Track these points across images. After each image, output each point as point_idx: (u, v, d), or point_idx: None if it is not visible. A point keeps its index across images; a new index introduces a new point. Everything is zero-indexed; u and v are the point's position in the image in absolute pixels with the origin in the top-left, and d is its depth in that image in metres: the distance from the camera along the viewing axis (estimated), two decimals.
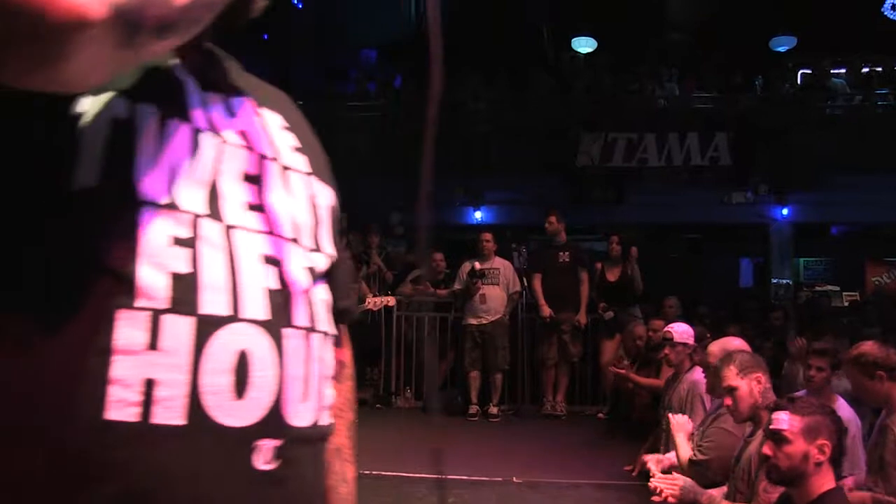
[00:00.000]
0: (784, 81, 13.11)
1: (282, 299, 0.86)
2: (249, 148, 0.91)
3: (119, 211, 0.77)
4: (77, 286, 0.74)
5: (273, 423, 0.82)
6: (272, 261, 0.87)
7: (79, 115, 0.76)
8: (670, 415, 4.69)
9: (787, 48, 13.63)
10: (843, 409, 4.28)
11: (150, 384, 0.75)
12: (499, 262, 8.72)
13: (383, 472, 5.95)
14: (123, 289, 0.75)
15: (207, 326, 0.78)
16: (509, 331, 8.73)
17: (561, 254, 8.67)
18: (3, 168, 0.73)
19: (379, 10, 16.76)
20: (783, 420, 2.82)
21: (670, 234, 13.46)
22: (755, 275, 13.83)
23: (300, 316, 0.89)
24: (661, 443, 5.53)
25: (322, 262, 0.98)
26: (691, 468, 4.13)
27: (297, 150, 1.01)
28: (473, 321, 8.52)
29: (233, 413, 0.79)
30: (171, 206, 0.79)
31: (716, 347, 4.55)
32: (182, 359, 0.76)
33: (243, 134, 0.91)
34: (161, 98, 0.82)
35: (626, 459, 6.19)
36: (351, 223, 10.07)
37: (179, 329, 0.77)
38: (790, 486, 2.86)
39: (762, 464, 3.06)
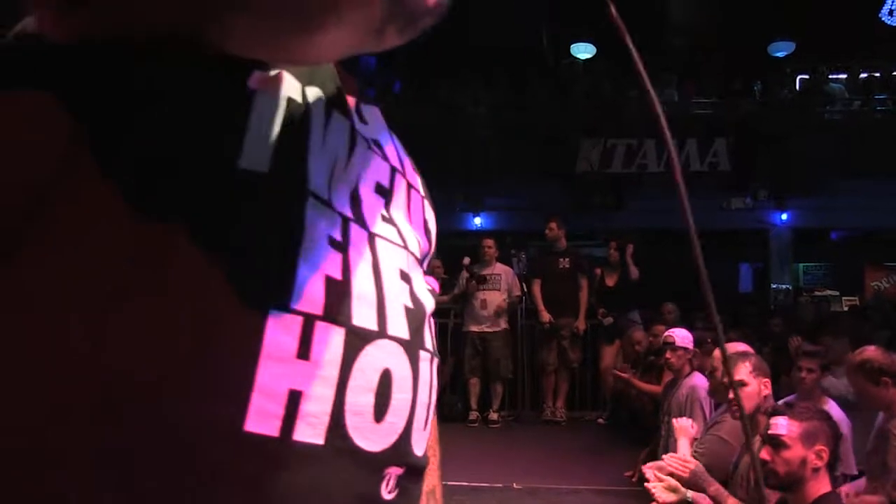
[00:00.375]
0: (783, 87, 13.12)
1: (418, 319, 0.80)
2: (384, 158, 0.86)
3: (286, 198, 0.69)
4: (232, 277, 0.65)
5: (401, 450, 0.75)
6: (406, 277, 0.81)
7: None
8: (674, 419, 4.70)
9: (785, 53, 13.65)
10: (833, 409, 4.33)
11: (295, 396, 0.66)
12: (500, 268, 8.73)
13: None
14: (280, 287, 0.66)
15: (357, 340, 0.71)
16: (510, 338, 8.74)
17: (561, 260, 8.68)
18: (180, 128, 0.65)
19: None
20: (782, 425, 2.82)
21: (670, 240, 13.43)
22: (755, 280, 13.82)
23: (429, 338, 0.83)
24: (661, 448, 5.53)
25: (432, 285, 0.92)
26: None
27: (414, 169, 0.94)
28: (475, 328, 8.53)
29: (370, 436, 0.72)
30: (328, 205, 0.73)
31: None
32: (331, 372, 0.68)
33: (376, 143, 0.85)
34: (323, 86, 0.76)
35: (627, 465, 6.18)
36: None
37: (332, 339, 0.68)
38: (787, 492, 2.86)
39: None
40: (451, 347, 9.17)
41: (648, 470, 4.42)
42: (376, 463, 0.73)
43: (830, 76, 12.99)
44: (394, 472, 0.75)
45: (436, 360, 0.84)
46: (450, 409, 8.62)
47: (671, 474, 3.69)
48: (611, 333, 8.72)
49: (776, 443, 2.83)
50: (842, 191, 11.03)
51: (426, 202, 0.95)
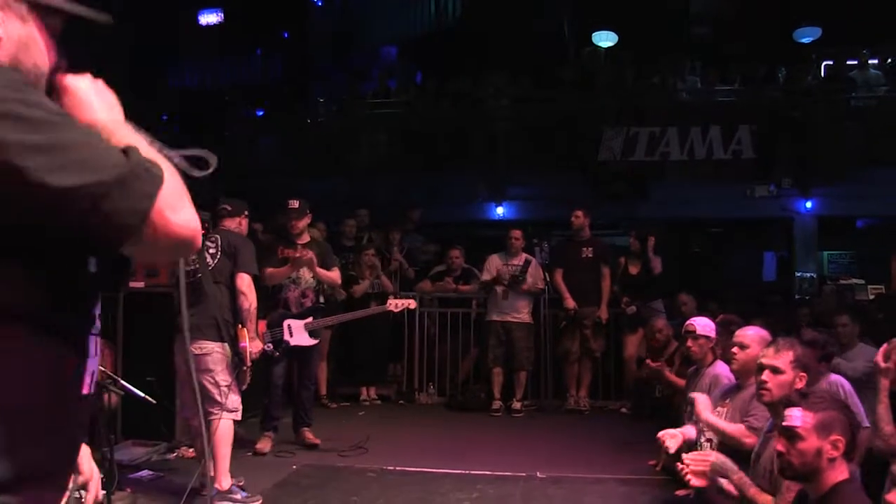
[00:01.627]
0: (808, 73, 12.97)
1: None
2: None
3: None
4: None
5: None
6: None
7: None
8: (693, 394, 4.72)
9: (811, 39, 13.50)
10: (840, 381, 4.46)
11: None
12: (525, 259, 8.72)
13: (408, 469, 5.99)
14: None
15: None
16: (533, 328, 8.73)
17: (584, 249, 8.67)
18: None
19: (399, 6, 16.77)
20: (796, 417, 2.80)
21: (693, 229, 13.38)
22: (779, 269, 13.72)
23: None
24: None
25: None
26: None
27: None
28: (497, 318, 8.54)
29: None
30: None
31: (750, 330, 4.55)
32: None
33: None
34: None
35: (650, 454, 6.16)
36: (372, 219, 10.09)
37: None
38: (804, 482, 2.85)
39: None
40: (474, 338, 9.20)
41: (666, 439, 4.42)
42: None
43: (855, 62, 12.76)
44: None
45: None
46: (473, 399, 8.65)
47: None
48: (634, 323, 8.69)
49: (791, 434, 2.81)
50: (867, 178, 10.90)
51: None
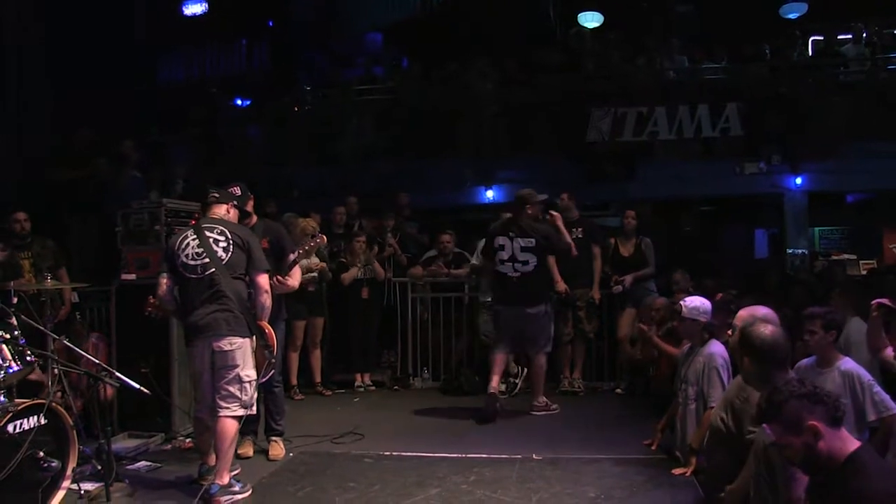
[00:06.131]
0: (794, 49, 12.97)
1: None
2: None
3: None
4: None
5: None
6: None
7: None
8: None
9: (797, 15, 13.49)
10: (847, 363, 4.47)
11: None
12: None
13: (404, 453, 6.00)
14: None
15: None
16: None
17: (574, 230, 8.66)
18: None
19: None
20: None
21: (684, 208, 13.40)
22: (770, 245, 13.76)
23: None
24: (679, 417, 5.55)
25: None
26: None
27: None
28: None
29: None
30: None
31: (745, 313, 4.59)
32: None
33: None
34: None
35: (645, 434, 6.20)
36: (363, 206, 10.07)
37: None
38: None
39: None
40: (467, 321, 9.20)
41: None
42: None
43: (849, 36, 12.76)
44: None
45: None
46: (467, 383, 8.66)
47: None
48: (625, 302, 8.72)
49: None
50: (857, 153, 10.91)
51: None
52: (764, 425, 2.89)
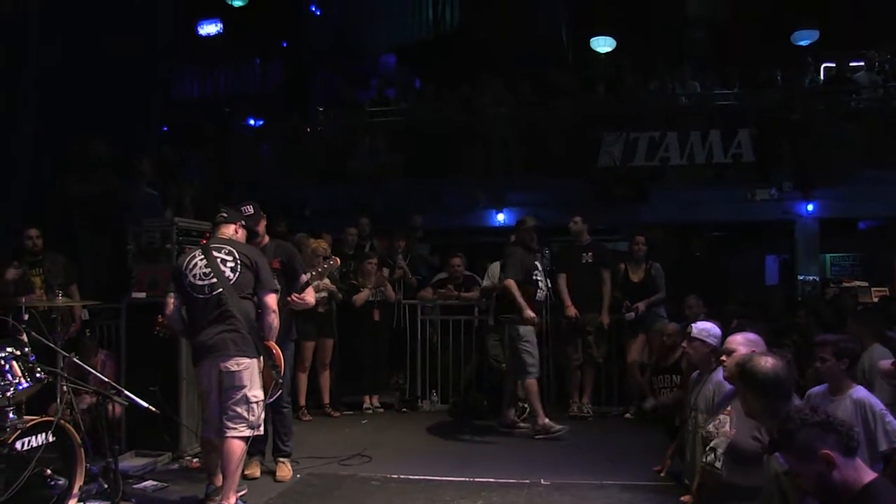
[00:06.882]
0: (806, 76, 12.98)
1: None
2: None
3: None
4: None
5: None
6: None
7: None
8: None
9: (809, 42, 13.50)
10: (860, 391, 4.40)
11: None
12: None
13: (412, 476, 5.97)
14: None
15: None
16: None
17: (584, 254, 8.66)
18: None
19: (397, 15, 16.82)
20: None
21: (694, 233, 13.37)
22: (781, 272, 13.70)
23: None
24: (688, 443, 5.50)
25: None
26: None
27: None
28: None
29: None
30: None
31: (739, 336, 4.57)
32: None
33: None
34: None
35: (654, 460, 6.16)
36: (375, 227, 10.07)
37: None
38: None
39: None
40: (476, 345, 9.17)
41: None
42: None
43: (861, 63, 12.77)
44: None
45: None
46: (475, 407, 8.62)
47: None
48: (635, 327, 8.68)
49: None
50: (869, 180, 10.90)
51: None
52: (779, 455, 2.87)
